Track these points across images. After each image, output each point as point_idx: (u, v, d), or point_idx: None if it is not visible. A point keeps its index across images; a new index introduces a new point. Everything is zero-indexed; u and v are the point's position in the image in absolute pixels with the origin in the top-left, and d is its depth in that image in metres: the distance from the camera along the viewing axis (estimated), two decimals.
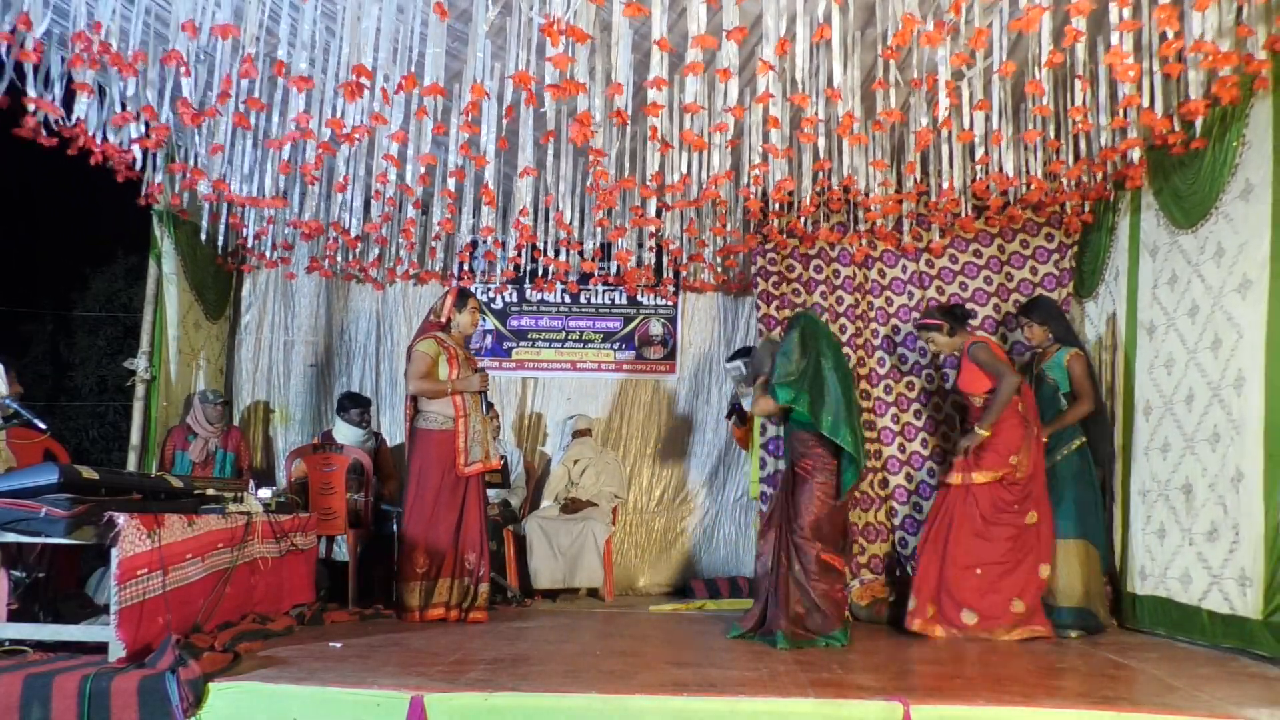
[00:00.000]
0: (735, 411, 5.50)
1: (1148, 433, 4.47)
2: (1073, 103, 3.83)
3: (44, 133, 4.14)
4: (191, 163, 4.80)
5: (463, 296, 4.80)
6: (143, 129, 4.27)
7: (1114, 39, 3.33)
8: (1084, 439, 4.63)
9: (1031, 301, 5.00)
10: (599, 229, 5.51)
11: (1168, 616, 4.24)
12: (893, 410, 5.45)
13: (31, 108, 3.99)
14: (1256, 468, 3.67)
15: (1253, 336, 3.71)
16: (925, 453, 5.40)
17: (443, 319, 4.77)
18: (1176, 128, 3.91)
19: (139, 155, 4.52)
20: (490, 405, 4.96)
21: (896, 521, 5.38)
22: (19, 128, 4.10)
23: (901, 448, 5.43)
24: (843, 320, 5.55)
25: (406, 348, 4.82)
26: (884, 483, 5.43)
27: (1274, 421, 3.59)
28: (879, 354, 5.52)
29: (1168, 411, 4.33)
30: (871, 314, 5.56)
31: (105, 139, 4.37)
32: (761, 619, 4.13)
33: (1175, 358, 4.27)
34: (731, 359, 5.82)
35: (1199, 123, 3.84)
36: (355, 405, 5.78)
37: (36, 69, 3.91)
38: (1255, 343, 3.69)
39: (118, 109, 4.22)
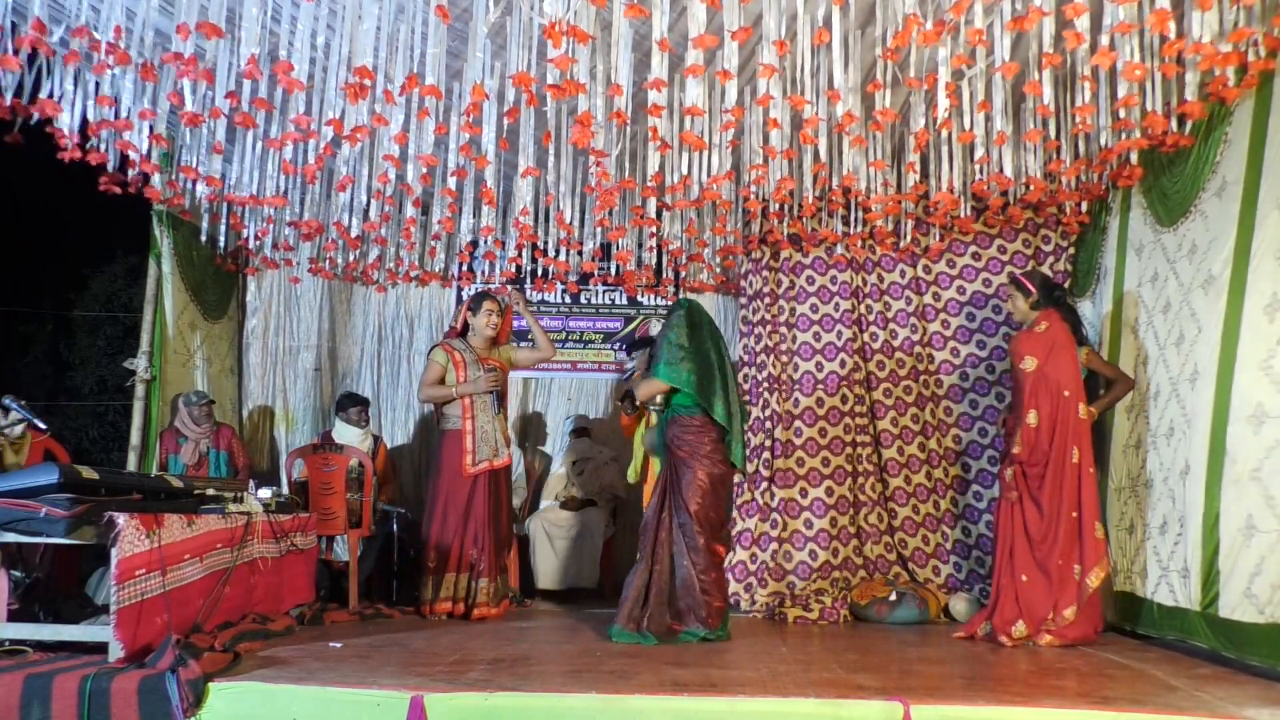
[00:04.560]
0: (627, 398, 5.49)
1: (1126, 430, 4.49)
2: (1074, 102, 3.82)
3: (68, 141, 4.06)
4: (193, 161, 4.77)
5: (477, 300, 4.98)
6: (146, 134, 4.25)
7: (1105, 40, 3.31)
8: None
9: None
10: (599, 229, 5.50)
11: (1131, 611, 4.26)
12: (891, 414, 5.44)
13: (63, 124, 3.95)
14: (1202, 460, 3.69)
15: (1210, 332, 3.73)
16: (922, 456, 5.40)
17: (458, 325, 5.00)
18: (1174, 127, 3.91)
19: (141, 150, 4.49)
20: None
21: (895, 523, 5.38)
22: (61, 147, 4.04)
23: (900, 450, 5.43)
24: (839, 327, 5.54)
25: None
26: (883, 485, 5.43)
27: (1220, 416, 3.61)
28: (877, 358, 5.51)
29: (1141, 409, 4.35)
30: (870, 318, 5.56)
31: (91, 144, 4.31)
32: (642, 618, 3.98)
33: (1150, 355, 4.29)
34: (634, 348, 5.81)
35: (1189, 121, 3.84)
36: (354, 404, 5.81)
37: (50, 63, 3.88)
38: (1212, 339, 3.70)
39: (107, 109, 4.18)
